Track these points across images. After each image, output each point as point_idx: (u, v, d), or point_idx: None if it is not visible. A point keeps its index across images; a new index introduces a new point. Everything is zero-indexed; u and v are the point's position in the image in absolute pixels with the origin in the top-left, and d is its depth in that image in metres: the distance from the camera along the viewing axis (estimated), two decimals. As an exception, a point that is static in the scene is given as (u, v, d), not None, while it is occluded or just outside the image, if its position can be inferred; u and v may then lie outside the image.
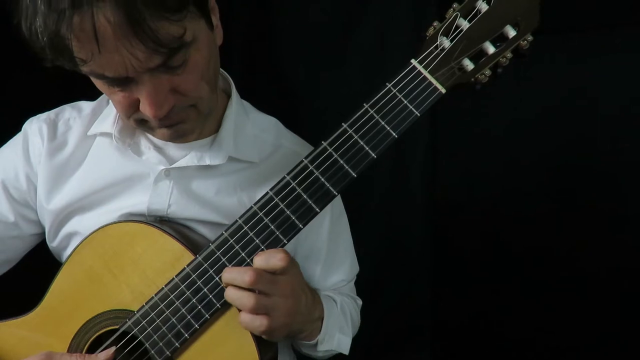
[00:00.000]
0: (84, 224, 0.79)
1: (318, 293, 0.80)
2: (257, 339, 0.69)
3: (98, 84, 0.67)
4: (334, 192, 0.66)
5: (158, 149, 0.80)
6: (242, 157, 0.81)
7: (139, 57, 0.58)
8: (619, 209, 1.43)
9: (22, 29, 0.59)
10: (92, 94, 0.85)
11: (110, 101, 0.84)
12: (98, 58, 0.58)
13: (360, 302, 0.93)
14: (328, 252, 0.87)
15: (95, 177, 0.80)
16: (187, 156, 0.79)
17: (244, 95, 0.89)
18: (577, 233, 1.45)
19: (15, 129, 0.85)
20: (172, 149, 0.80)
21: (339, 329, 0.80)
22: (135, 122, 0.70)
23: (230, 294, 0.66)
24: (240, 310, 0.66)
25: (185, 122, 0.71)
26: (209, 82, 0.70)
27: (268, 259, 0.65)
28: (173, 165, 0.78)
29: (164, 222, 0.77)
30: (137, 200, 0.78)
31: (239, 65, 1.51)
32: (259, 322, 0.65)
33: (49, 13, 0.55)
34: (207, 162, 0.78)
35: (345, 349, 0.83)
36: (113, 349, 0.71)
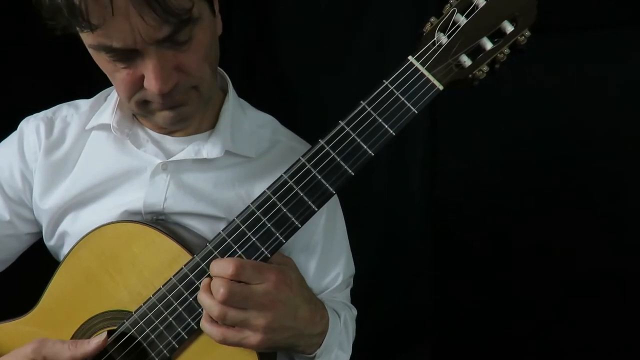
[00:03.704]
0: (78, 221, 0.79)
1: (325, 306, 0.77)
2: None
3: (102, 62, 0.67)
4: (332, 191, 0.66)
5: (155, 142, 0.81)
6: (239, 152, 0.81)
7: (149, 24, 0.60)
8: (620, 207, 1.43)
9: None
10: (89, 94, 0.86)
11: (107, 98, 0.84)
12: (110, 23, 0.59)
13: (355, 311, 0.91)
14: (324, 246, 0.85)
15: (92, 172, 0.80)
16: (185, 150, 0.79)
17: (243, 95, 0.89)
18: (578, 231, 1.44)
19: (12, 128, 0.85)
20: (169, 142, 0.81)
21: (338, 344, 0.78)
22: (137, 105, 0.71)
23: (200, 297, 0.65)
24: None
25: (186, 104, 0.71)
26: (211, 65, 0.71)
27: (218, 268, 0.64)
28: (170, 159, 0.78)
29: (159, 223, 0.77)
30: (134, 194, 0.78)
31: (239, 65, 1.50)
32: (216, 333, 0.64)
33: None
34: (204, 155, 0.78)
35: None
36: (105, 334, 0.70)
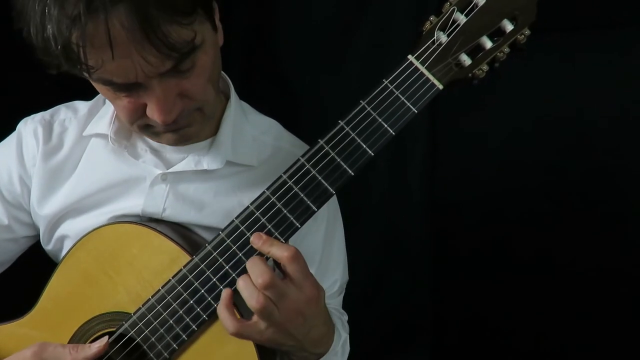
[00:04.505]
0: (75, 227, 0.78)
1: (334, 330, 0.75)
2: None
3: (102, 90, 0.65)
4: (332, 191, 0.65)
5: (154, 151, 0.79)
6: (240, 161, 0.80)
7: (150, 62, 0.58)
8: (619, 209, 1.43)
9: (31, 36, 0.58)
10: (88, 94, 0.85)
11: (106, 100, 0.83)
12: (109, 64, 0.57)
13: (346, 317, 0.91)
14: (323, 253, 0.86)
15: (90, 180, 0.79)
16: (184, 160, 0.78)
17: (243, 96, 0.88)
18: (577, 233, 1.44)
19: (9, 128, 0.84)
20: (168, 152, 0.79)
21: None
22: (139, 128, 0.69)
23: (242, 285, 0.62)
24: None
25: (191, 125, 0.70)
26: (214, 83, 0.70)
27: (279, 248, 0.63)
28: (170, 170, 0.77)
29: (159, 222, 0.77)
30: (132, 204, 0.77)
31: (239, 66, 1.50)
32: (231, 325, 0.63)
33: (61, 19, 0.54)
34: (205, 166, 0.77)
35: None
36: (106, 338, 0.69)
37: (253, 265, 0.63)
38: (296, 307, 0.63)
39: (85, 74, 0.60)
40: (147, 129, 0.70)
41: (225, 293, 0.65)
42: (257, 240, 0.65)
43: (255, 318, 0.63)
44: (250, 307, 0.62)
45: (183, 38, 0.58)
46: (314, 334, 0.67)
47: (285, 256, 0.62)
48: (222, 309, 0.64)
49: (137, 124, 0.68)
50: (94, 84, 0.66)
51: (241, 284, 0.63)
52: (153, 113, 0.64)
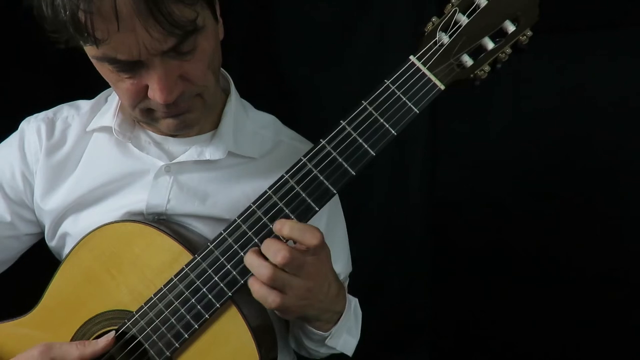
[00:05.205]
0: (79, 223, 0.79)
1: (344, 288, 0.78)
2: (257, 339, 0.69)
3: (105, 72, 0.67)
4: (333, 191, 0.65)
5: (157, 144, 0.81)
6: (242, 153, 0.81)
7: (154, 37, 0.60)
8: (620, 209, 1.43)
9: (41, 10, 0.60)
10: (89, 94, 0.85)
11: (108, 99, 0.84)
12: (114, 37, 0.59)
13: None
14: None
15: (94, 175, 0.79)
16: (187, 151, 0.79)
17: (243, 95, 0.89)
18: (578, 233, 1.44)
19: (12, 128, 0.85)
20: (171, 144, 0.81)
21: (347, 329, 0.79)
22: (141, 113, 0.71)
23: (250, 260, 0.64)
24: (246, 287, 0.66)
25: (191, 111, 0.72)
26: (214, 72, 0.72)
27: (303, 233, 0.63)
28: (174, 161, 0.78)
29: (161, 222, 0.77)
30: (136, 197, 0.78)
31: (239, 65, 1.50)
32: (272, 298, 0.63)
33: None
34: (207, 156, 0.78)
35: (350, 350, 0.83)
36: (112, 334, 0.70)
37: (268, 245, 0.64)
38: (315, 269, 0.65)
39: (93, 46, 0.61)
40: (149, 114, 0.71)
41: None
42: (279, 225, 0.65)
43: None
44: (263, 281, 0.63)
45: (186, 16, 0.61)
46: (332, 290, 0.70)
47: (315, 244, 0.63)
48: (252, 282, 0.65)
49: (139, 108, 0.70)
50: (99, 67, 0.67)
51: (251, 259, 0.64)
52: (154, 93, 0.65)
